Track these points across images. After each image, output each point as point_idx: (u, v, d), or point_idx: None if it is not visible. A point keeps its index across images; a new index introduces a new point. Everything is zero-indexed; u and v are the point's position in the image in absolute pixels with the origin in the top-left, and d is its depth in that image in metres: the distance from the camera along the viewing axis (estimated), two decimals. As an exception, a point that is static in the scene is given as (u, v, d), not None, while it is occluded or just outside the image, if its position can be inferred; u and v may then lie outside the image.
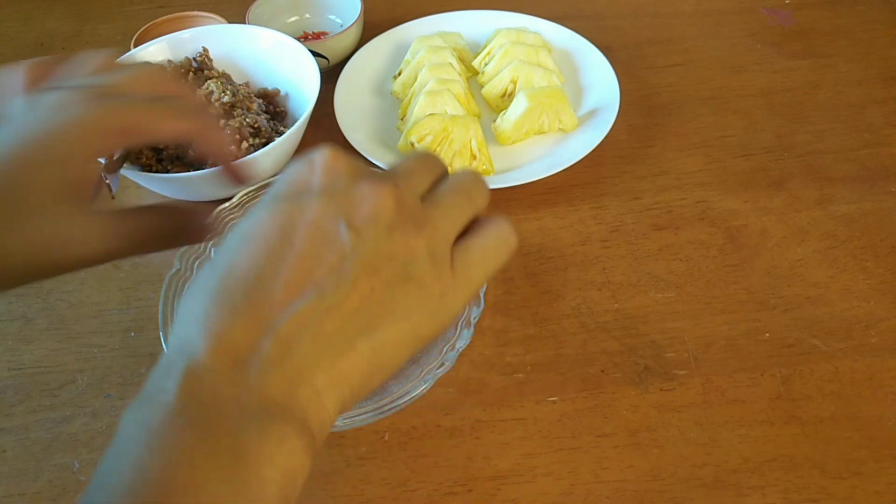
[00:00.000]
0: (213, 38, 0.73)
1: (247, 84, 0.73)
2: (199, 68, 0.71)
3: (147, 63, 0.40)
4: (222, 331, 0.26)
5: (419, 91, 0.70)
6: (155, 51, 0.72)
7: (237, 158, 0.42)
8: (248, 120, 0.64)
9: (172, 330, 0.29)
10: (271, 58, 0.73)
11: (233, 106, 0.65)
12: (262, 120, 0.66)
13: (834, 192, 0.64)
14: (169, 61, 0.71)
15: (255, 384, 0.26)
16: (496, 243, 0.33)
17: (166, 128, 0.36)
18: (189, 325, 0.27)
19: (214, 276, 0.28)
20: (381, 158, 0.65)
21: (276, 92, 0.72)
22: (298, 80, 0.71)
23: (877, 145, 0.68)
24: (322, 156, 0.30)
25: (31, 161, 0.32)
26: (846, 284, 0.57)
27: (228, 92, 0.66)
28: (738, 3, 0.86)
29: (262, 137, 0.65)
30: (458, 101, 0.68)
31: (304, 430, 0.26)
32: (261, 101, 0.70)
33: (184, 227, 0.38)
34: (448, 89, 0.68)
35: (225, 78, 0.70)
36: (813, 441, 0.48)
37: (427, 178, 0.34)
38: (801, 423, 0.49)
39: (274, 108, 0.71)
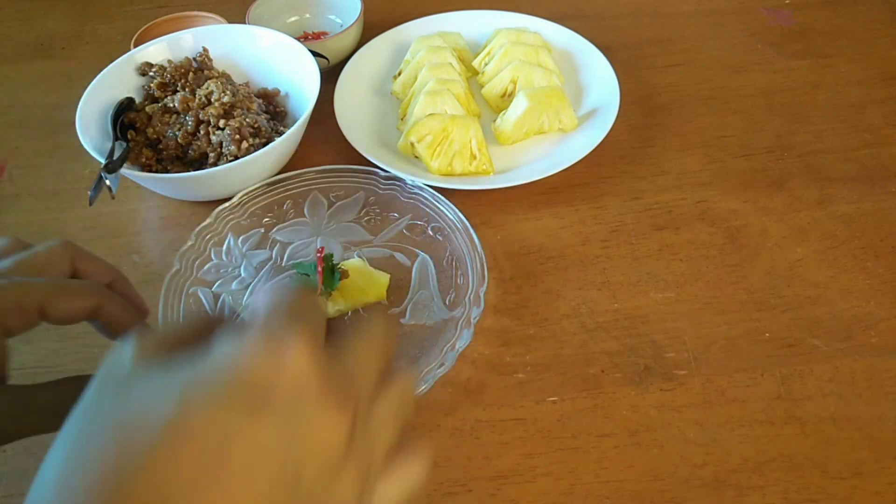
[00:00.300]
0: (212, 38, 0.73)
1: (247, 84, 0.73)
2: (200, 68, 0.71)
3: (52, 242, 0.38)
4: None
5: (419, 91, 0.70)
6: (155, 51, 0.72)
7: (143, 320, 0.41)
8: (248, 120, 0.64)
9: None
10: (271, 58, 0.73)
11: (233, 106, 0.65)
12: (262, 120, 0.66)
13: (834, 192, 0.64)
14: (169, 61, 0.71)
15: None
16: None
17: (67, 306, 0.36)
18: None
19: (133, 461, 0.22)
20: (381, 158, 0.65)
21: (276, 92, 0.73)
22: (298, 80, 0.71)
23: (877, 145, 0.68)
24: (293, 354, 0.23)
25: None
26: (846, 284, 0.57)
27: (228, 92, 0.66)
28: (738, 3, 0.86)
29: (261, 137, 0.65)
30: (458, 101, 0.68)
31: None
32: (261, 101, 0.70)
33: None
34: (448, 89, 0.68)
35: (225, 78, 0.70)
36: (813, 441, 0.48)
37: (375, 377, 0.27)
38: (801, 423, 0.49)
39: (274, 108, 0.71)
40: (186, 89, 0.68)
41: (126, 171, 0.60)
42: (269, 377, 0.23)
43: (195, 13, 0.81)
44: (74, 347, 0.56)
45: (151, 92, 0.69)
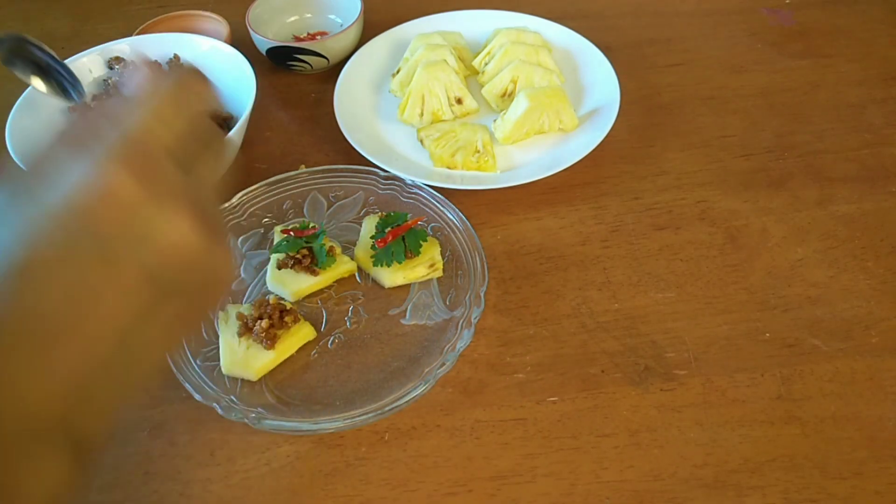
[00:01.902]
0: (150, 45, 0.72)
1: None
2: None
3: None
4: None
5: (415, 92, 0.70)
6: (88, 61, 0.71)
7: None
8: None
9: None
10: (211, 65, 0.71)
11: None
12: None
13: (834, 191, 0.64)
14: (132, 62, 0.71)
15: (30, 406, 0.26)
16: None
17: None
18: None
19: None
20: (381, 158, 0.65)
21: (229, 116, 0.70)
22: (237, 88, 0.69)
23: (877, 145, 0.68)
24: (105, 176, 0.26)
25: None
26: (846, 284, 0.57)
27: None
28: (739, 3, 0.86)
29: None
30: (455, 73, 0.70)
31: (72, 444, 0.27)
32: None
33: None
34: (445, 61, 0.70)
35: None
36: (813, 441, 0.48)
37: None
38: (802, 423, 0.49)
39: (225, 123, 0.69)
40: None
41: None
42: (90, 197, 0.26)
43: (194, 13, 0.81)
44: (74, 347, 0.56)
45: (108, 88, 0.69)
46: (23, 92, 0.66)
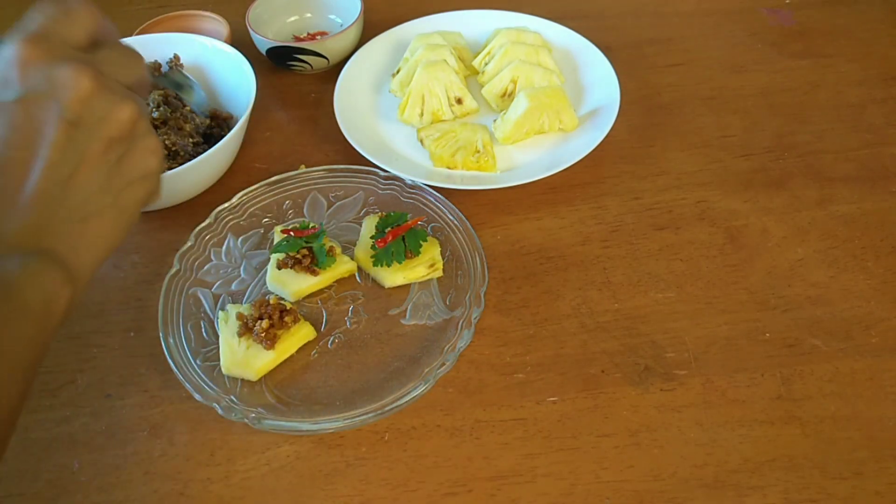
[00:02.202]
0: (151, 44, 0.72)
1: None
2: (165, 74, 0.71)
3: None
4: None
5: (415, 92, 0.70)
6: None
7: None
8: (168, 140, 0.63)
9: None
10: (211, 65, 0.72)
11: (164, 122, 0.65)
12: (187, 144, 0.65)
13: (834, 192, 0.64)
14: None
15: (6, 233, 0.35)
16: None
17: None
18: None
19: None
20: (381, 158, 0.65)
21: (229, 116, 0.70)
22: (237, 89, 0.69)
23: (877, 145, 0.68)
24: (13, 52, 0.34)
25: None
26: (846, 284, 0.57)
27: (163, 108, 0.65)
28: (739, 3, 0.86)
29: (178, 161, 0.63)
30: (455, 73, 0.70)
31: (61, 264, 0.35)
32: (198, 121, 0.68)
33: None
34: (445, 61, 0.69)
35: (177, 90, 0.69)
36: (813, 441, 0.48)
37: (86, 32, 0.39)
38: (802, 423, 0.49)
39: (219, 132, 0.69)
40: None
41: None
42: (8, 71, 0.34)
43: (194, 13, 0.81)
44: (74, 347, 0.56)
45: None
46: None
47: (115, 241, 0.39)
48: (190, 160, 0.62)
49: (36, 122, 0.34)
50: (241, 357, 0.52)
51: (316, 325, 0.56)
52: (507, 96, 0.72)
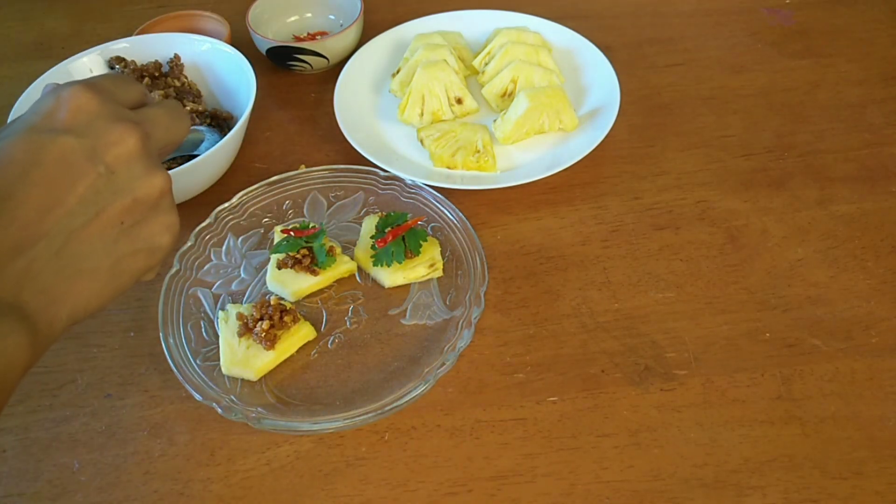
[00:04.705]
0: (151, 44, 0.73)
1: (200, 100, 0.72)
2: (166, 74, 0.71)
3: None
4: None
5: (415, 92, 0.70)
6: (89, 61, 0.71)
7: None
8: None
9: None
10: (211, 64, 0.72)
11: None
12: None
13: (834, 191, 0.64)
14: (133, 62, 0.71)
15: None
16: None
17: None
18: None
19: None
20: (381, 158, 0.65)
21: (229, 115, 0.71)
22: (236, 89, 0.70)
23: (877, 145, 0.68)
24: (68, 94, 0.34)
25: None
26: (846, 284, 0.57)
27: None
28: (739, 2, 0.86)
29: (177, 161, 0.64)
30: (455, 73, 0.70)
31: (28, 327, 0.32)
32: (198, 122, 0.68)
33: None
34: (445, 60, 0.69)
35: (185, 90, 0.69)
36: (813, 441, 0.48)
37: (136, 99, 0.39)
38: (802, 423, 0.49)
39: (222, 125, 0.70)
40: None
41: None
42: (57, 110, 0.34)
43: (194, 13, 0.81)
44: (74, 347, 0.56)
45: None
46: (23, 92, 0.66)
47: (98, 306, 0.36)
48: (180, 163, 0.62)
49: (67, 165, 0.33)
50: (241, 357, 0.52)
51: (316, 325, 0.56)
52: (507, 96, 0.72)
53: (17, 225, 0.32)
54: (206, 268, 0.59)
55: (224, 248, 0.61)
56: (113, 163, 0.34)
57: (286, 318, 0.53)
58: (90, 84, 0.35)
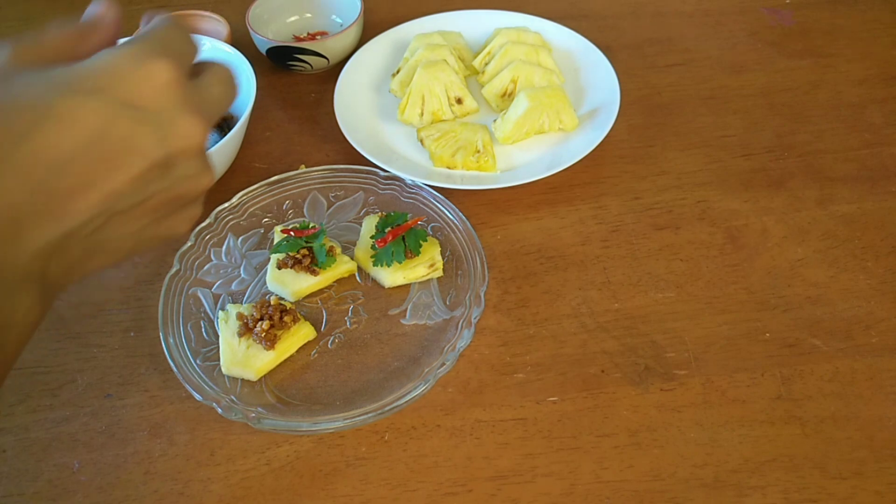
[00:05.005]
0: None
1: None
2: None
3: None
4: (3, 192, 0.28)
5: (415, 92, 0.70)
6: None
7: None
8: None
9: None
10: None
11: None
12: None
13: (834, 191, 0.64)
14: None
15: (27, 250, 0.29)
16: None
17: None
18: None
19: (20, 139, 0.28)
20: (381, 158, 0.65)
21: (230, 116, 0.71)
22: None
23: (877, 145, 0.68)
24: (156, 69, 0.31)
25: None
26: (846, 284, 0.57)
27: None
28: (739, 2, 0.86)
29: None
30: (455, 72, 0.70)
31: (44, 297, 0.31)
32: None
33: None
34: (445, 60, 0.69)
35: None
36: (813, 441, 0.48)
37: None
38: (802, 423, 0.49)
39: (221, 128, 0.70)
40: None
41: None
42: (141, 83, 0.30)
43: (194, 13, 0.81)
44: (74, 347, 0.56)
45: None
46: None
47: (97, 273, 0.35)
48: None
49: (132, 147, 0.30)
50: (242, 357, 0.52)
51: (316, 325, 0.56)
52: (507, 96, 0.72)
53: (64, 196, 0.29)
54: (206, 268, 0.59)
55: (224, 248, 0.61)
56: (176, 156, 0.32)
57: (286, 318, 0.53)
58: (176, 59, 0.32)
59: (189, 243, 0.59)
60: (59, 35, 0.33)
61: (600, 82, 0.73)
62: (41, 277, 0.31)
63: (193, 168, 0.34)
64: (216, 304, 0.57)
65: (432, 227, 0.61)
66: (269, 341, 0.52)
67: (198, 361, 0.52)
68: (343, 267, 0.58)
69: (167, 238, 0.37)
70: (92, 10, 0.35)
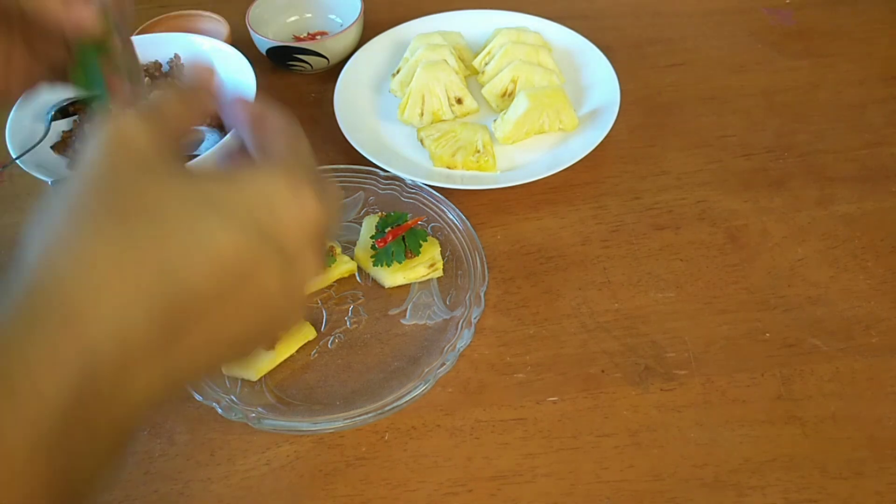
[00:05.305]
0: (155, 44, 0.73)
1: None
2: (166, 74, 0.71)
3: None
4: (132, 326, 0.24)
5: (415, 92, 0.70)
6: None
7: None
8: None
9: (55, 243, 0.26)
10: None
11: None
12: None
13: (834, 191, 0.64)
14: None
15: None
16: None
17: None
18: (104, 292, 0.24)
19: (155, 267, 0.25)
20: (381, 158, 0.65)
21: None
22: (236, 88, 0.69)
23: (877, 145, 0.68)
24: (311, 206, 0.28)
25: None
26: (847, 284, 0.57)
27: None
28: (739, 2, 0.86)
29: None
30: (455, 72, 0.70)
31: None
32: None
33: None
34: (445, 60, 0.70)
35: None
36: (813, 441, 0.48)
37: None
38: (802, 423, 0.49)
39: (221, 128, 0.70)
40: None
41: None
42: (291, 222, 0.28)
43: (194, 13, 0.81)
44: (74, 347, 0.56)
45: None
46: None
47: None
48: (189, 161, 0.62)
49: (261, 291, 0.27)
50: (241, 357, 0.52)
51: (316, 325, 0.56)
52: (507, 96, 0.72)
53: (188, 340, 0.26)
54: (206, 268, 0.59)
55: (224, 248, 0.61)
56: (292, 295, 0.29)
57: (286, 318, 0.53)
58: (319, 199, 0.29)
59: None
60: (174, 105, 0.32)
61: (600, 82, 0.73)
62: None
63: (294, 303, 0.30)
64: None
65: (432, 227, 0.61)
66: (269, 341, 0.52)
67: (198, 361, 0.52)
68: (343, 267, 0.58)
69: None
70: (193, 74, 0.34)
